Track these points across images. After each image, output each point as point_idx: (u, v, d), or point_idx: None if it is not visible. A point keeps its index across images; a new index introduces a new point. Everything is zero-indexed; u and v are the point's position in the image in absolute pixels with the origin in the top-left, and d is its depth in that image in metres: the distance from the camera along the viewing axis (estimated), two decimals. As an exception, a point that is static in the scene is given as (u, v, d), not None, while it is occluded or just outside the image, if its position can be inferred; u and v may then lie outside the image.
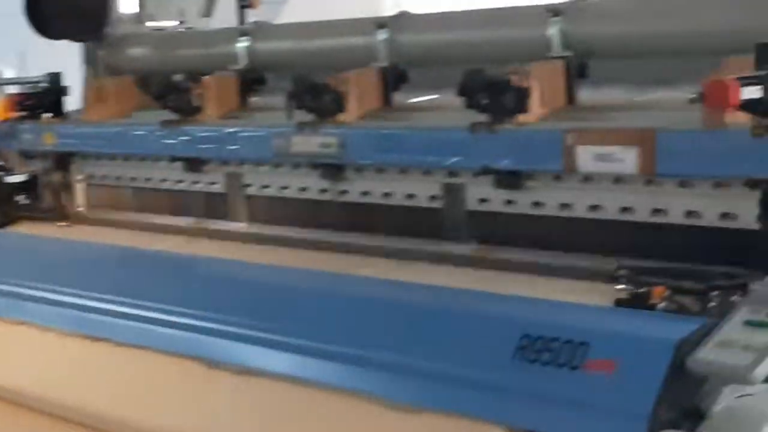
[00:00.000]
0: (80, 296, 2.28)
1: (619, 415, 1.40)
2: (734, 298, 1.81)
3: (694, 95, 2.35)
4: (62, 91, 3.35)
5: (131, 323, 2.16)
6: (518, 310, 1.81)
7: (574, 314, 1.74)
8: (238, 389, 2.07)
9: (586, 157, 2.16)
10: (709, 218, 2.11)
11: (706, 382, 1.39)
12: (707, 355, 1.36)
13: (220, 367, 2.03)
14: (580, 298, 2.09)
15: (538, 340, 1.58)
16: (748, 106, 1.81)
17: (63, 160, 3.36)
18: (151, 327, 2.12)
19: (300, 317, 1.99)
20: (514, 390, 1.56)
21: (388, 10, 3.71)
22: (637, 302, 1.85)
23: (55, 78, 3.37)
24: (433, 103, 2.83)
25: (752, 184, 2.01)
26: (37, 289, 2.38)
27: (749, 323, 1.40)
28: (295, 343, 1.89)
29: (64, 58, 3.66)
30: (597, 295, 2.07)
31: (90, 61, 3.63)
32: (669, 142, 2.05)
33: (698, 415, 1.38)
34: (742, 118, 1.91)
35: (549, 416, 1.51)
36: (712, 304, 1.82)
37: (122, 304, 2.20)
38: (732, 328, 1.40)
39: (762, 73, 1.84)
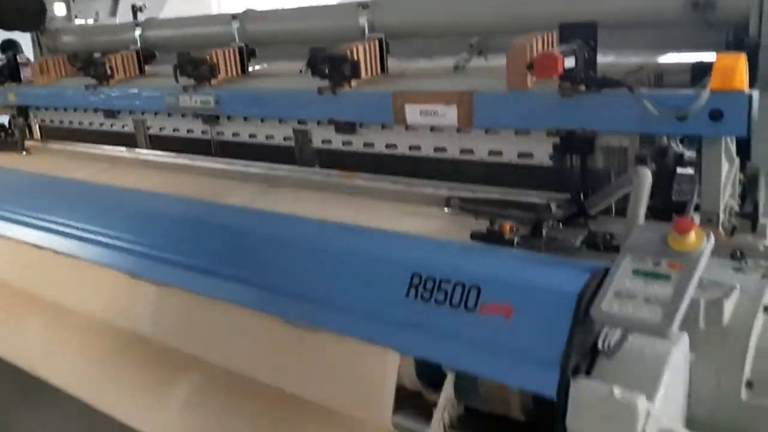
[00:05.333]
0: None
1: (529, 359, 1.38)
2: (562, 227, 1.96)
3: (456, 64, 2.81)
4: (17, 65, 4.09)
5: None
6: (408, 250, 1.77)
7: (466, 257, 1.70)
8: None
9: (413, 113, 2.36)
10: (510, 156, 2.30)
11: (603, 328, 1.39)
12: (610, 306, 1.34)
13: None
14: (418, 220, 2.15)
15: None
16: (566, 73, 1.95)
17: (23, 111, 4.15)
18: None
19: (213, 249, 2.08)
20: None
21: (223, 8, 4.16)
22: (492, 237, 1.91)
23: (12, 57, 4.10)
24: (275, 70, 3.27)
25: (554, 132, 2.17)
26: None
27: (638, 273, 1.37)
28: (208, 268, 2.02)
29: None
30: (434, 220, 2.15)
31: (36, 45, 4.50)
32: (484, 101, 2.17)
33: (595, 355, 1.39)
34: (542, 83, 2.05)
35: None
36: (545, 231, 1.91)
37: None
38: (623, 278, 1.38)
39: (575, 46, 1.99)
